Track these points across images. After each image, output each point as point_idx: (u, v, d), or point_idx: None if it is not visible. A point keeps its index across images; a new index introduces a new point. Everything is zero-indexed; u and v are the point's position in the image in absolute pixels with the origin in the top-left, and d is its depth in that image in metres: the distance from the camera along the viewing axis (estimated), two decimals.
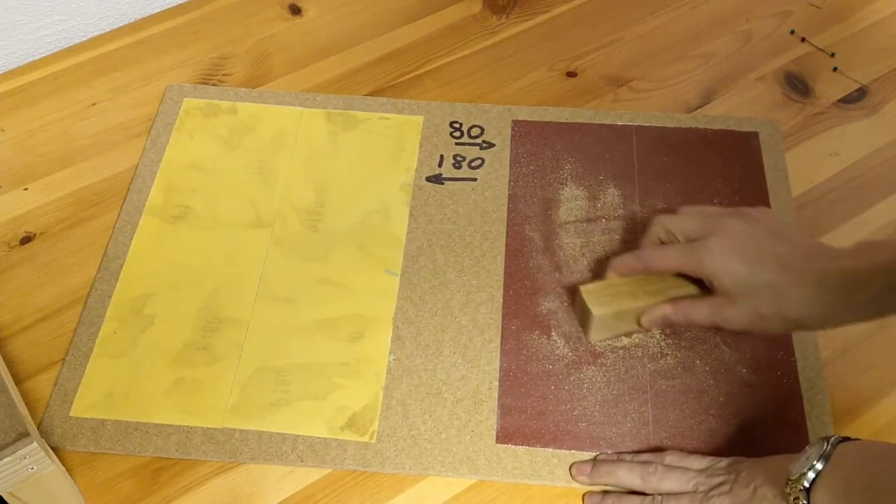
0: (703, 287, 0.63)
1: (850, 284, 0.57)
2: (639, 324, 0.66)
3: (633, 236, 0.74)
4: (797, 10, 0.91)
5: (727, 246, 0.61)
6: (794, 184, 0.77)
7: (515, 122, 0.82)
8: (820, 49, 0.88)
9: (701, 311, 0.63)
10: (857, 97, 0.84)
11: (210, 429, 0.65)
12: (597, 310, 0.64)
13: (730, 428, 0.65)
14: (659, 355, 0.68)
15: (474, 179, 0.78)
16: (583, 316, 0.67)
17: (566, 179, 0.78)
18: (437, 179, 0.78)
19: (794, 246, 0.61)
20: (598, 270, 0.72)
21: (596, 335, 0.67)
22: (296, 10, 0.94)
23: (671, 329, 0.69)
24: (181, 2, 0.94)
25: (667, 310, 0.64)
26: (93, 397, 0.66)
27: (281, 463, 0.64)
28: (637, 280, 0.65)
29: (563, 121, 0.82)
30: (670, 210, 0.69)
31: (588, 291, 0.65)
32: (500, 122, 0.82)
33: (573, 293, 0.69)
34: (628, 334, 0.69)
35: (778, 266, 0.60)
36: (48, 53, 0.91)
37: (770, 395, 0.66)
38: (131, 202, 0.77)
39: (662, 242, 0.66)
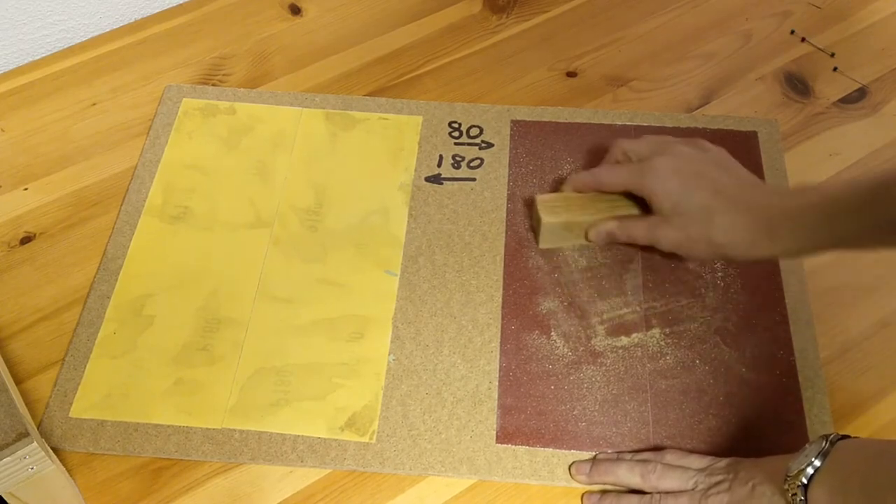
0: (647, 210, 0.68)
1: (774, 217, 0.61)
2: (586, 237, 0.71)
3: None
4: (797, 10, 0.91)
5: (669, 167, 0.66)
6: (794, 184, 0.77)
7: (514, 122, 0.82)
8: (820, 49, 0.88)
9: (640, 229, 0.68)
10: (857, 97, 0.84)
11: (210, 429, 0.65)
12: (547, 217, 0.70)
13: (729, 427, 0.65)
14: (658, 355, 0.68)
15: (473, 179, 0.78)
16: (535, 224, 0.73)
17: (565, 179, 0.78)
18: (436, 179, 0.78)
19: (733, 177, 0.65)
20: (599, 270, 0.72)
21: (544, 243, 0.73)
22: (296, 10, 0.94)
23: (612, 243, 0.72)
24: (181, 2, 0.94)
25: (611, 225, 0.69)
26: (92, 398, 0.66)
27: (281, 463, 0.64)
28: (590, 196, 0.71)
29: (562, 120, 0.82)
30: None
31: (542, 200, 0.71)
32: (499, 122, 0.82)
33: (530, 204, 0.75)
34: (575, 247, 0.73)
35: (711, 191, 0.64)
36: (48, 53, 0.91)
37: (769, 394, 0.66)
38: (130, 202, 0.77)
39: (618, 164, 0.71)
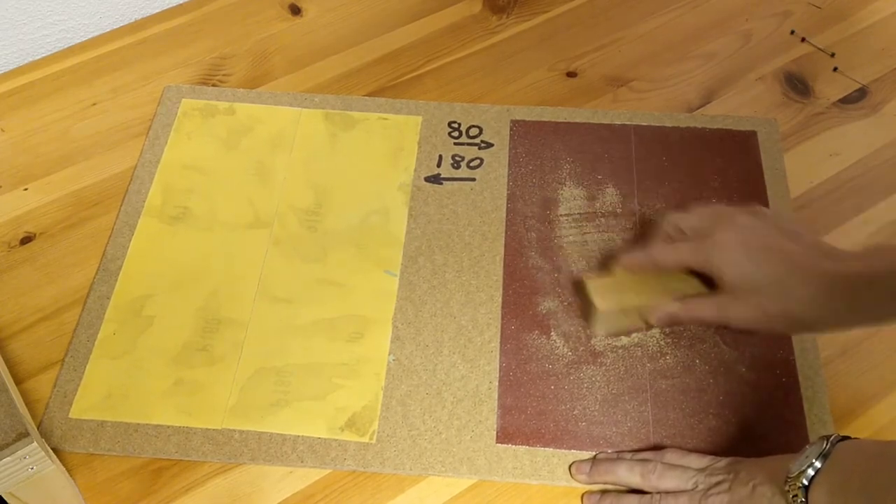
0: (711, 286, 0.63)
1: (855, 287, 0.57)
2: (645, 321, 0.66)
3: (632, 235, 0.74)
4: (797, 10, 0.91)
5: (735, 241, 0.61)
6: (794, 184, 0.77)
7: (514, 122, 0.82)
8: (820, 49, 0.88)
9: (707, 309, 0.63)
10: (857, 97, 0.84)
11: (210, 430, 0.65)
12: (601, 304, 0.65)
13: (729, 427, 0.65)
14: (658, 355, 0.68)
15: (473, 179, 0.78)
16: (587, 310, 0.67)
17: (565, 179, 0.78)
18: (435, 179, 0.78)
19: (802, 244, 0.61)
20: (597, 269, 0.72)
21: (599, 330, 0.68)
22: (296, 10, 0.94)
23: (675, 327, 0.69)
24: (181, 2, 0.94)
25: (674, 307, 0.64)
26: (92, 399, 0.66)
27: (281, 464, 0.64)
28: (644, 277, 0.66)
29: (561, 120, 0.82)
30: (678, 208, 0.69)
31: (594, 286, 0.66)
32: (499, 122, 0.82)
33: (579, 287, 0.69)
34: (632, 331, 0.69)
35: (784, 263, 0.60)
36: (48, 53, 0.91)
37: (770, 394, 0.66)
38: (130, 203, 0.77)
39: (672, 240, 0.66)
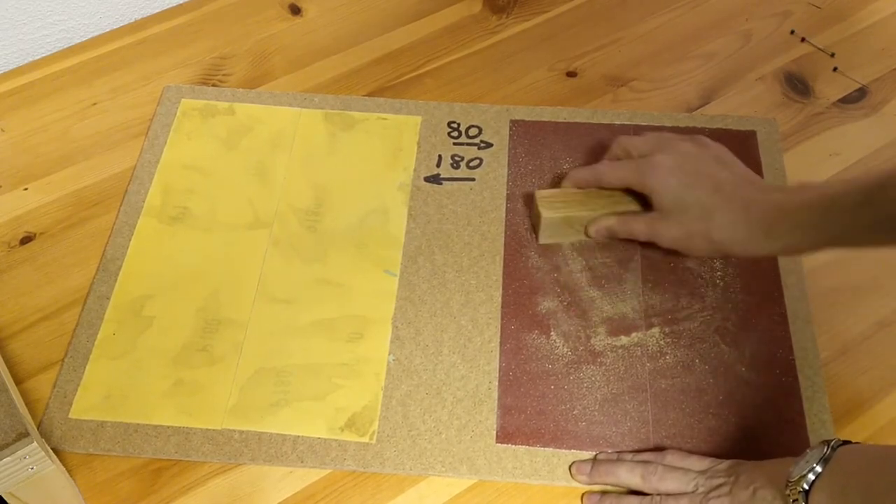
0: (649, 208, 0.68)
1: (771, 214, 0.61)
2: (585, 233, 0.72)
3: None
4: (797, 10, 0.91)
5: (669, 164, 0.66)
6: (793, 182, 0.77)
7: (513, 122, 0.82)
8: (820, 49, 0.88)
9: (639, 225, 0.68)
10: (857, 97, 0.84)
11: (210, 430, 0.65)
12: (546, 213, 0.71)
13: (729, 427, 0.65)
14: (658, 354, 0.68)
15: (472, 179, 0.78)
16: (535, 219, 0.73)
17: (565, 175, 0.78)
18: (435, 179, 0.78)
19: (732, 174, 0.66)
20: (598, 269, 0.72)
21: (544, 238, 0.73)
22: (296, 10, 0.94)
23: (611, 239, 0.72)
24: (181, 2, 0.94)
25: (611, 221, 0.70)
26: (92, 399, 0.66)
27: (281, 464, 0.64)
28: (589, 192, 0.72)
29: (560, 120, 0.82)
30: None
31: (542, 196, 0.72)
32: (498, 122, 0.82)
33: (529, 199, 0.75)
34: (574, 243, 0.73)
35: (710, 188, 0.65)
36: (48, 53, 0.91)
37: (769, 393, 0.66)
38: (129, 203, 0.77)
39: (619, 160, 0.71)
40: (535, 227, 0.74)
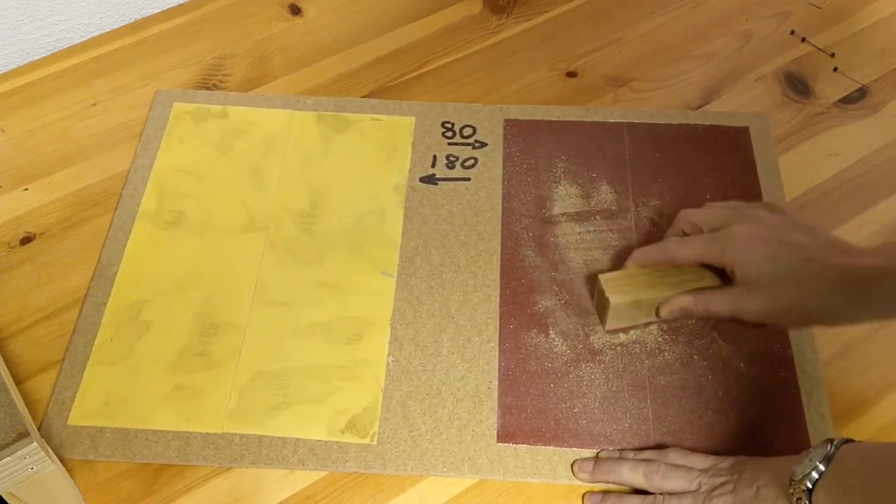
0: (725, 280, 0.63)
1: (867, 281, 0.58)
2: (657, 314, 0.66)
3: (627, 232, 0.75)
4: (797, 10, 0.91)
5: (750, 234, 0.62)
6: (795, 184, 0.78)
7: (507, 122, 0.82)
8: (820, 49, 0.88)
9: (720, 301, 0.63)
10: (857, 97, 0.84)
11: (210, 434, 0.65)
12: (615, 298, 0.65)
13: (729, 422, 0.65)
14: (657, 351, 0.68)
15: (468, 179, 0.78)
16: (600, 304, 0.68)
17: (559, 177, 0.78)
18: (430, 180, 0.78)
19: (816, 239, 0.61)
20: (594, 268, 0.72)
21: (612, 324, 0.68)
22: (296, 10, 0.94)
23: (690, 320, 0.69)
24: (181, 2, 0.94)
25: (686, 300, 0.64)
26: (91, 405, 0.66)
27: (282, 467, 0.64)
28: (657, 271, 0.66)
29: (554, 119, 0.82)
30: (679, 203, 0.70)
31: (607, 280, 0.66)
32: (492, 122, 0.82)
33: (594, 282, 0.69)
34: (645, 325, 0.69)
35: (799, 257, 0.60)
36: (48, 53, 0.91)
37: (768, 388, 0.66)
38: (124, 208, 0.77)
39: (686, 235, 0.66)
40: (599, 313, 0.69)
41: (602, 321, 0.69)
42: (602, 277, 0.66)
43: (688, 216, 0.67)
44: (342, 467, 0.63)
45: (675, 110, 0.83)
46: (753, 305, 0.61)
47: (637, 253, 0.67)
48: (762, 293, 0.61)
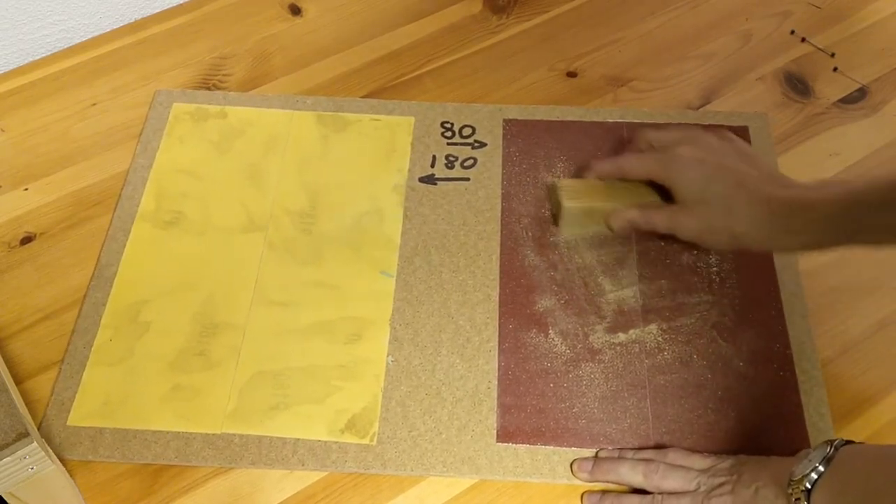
0: (670, 201, 0.68)
1: (792, 210, 0.61)
2: (607, 224, 0.71)
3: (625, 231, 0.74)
4: (797, 10, 0.91)
5: (692, 157, 0.66)
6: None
7: (506, 122, 0.82)
8: (820, 49, 0.88)
9: (660, 217, 0.68)
10: (857, 97, 0.84)
11: (209, 434, 0.65)
12: (568, 202, 0.71)
13: (728, 421, 0.65)
14: (656, 350, 0.68)
15: (467, 179, 0.78)
16: (555, 209, 0.73)
17: (559, 177, 0.78)
18: (429, 180, 0.78)
19: (755, 168, 0.66)
20: (595, 267, 0.72)
21: (564, 228, 0.73)
22: (296, 10, 0.94)
23: (632, 231, 0.72)
24: (181, 2, 0.94)
25: (632, 213, 0.70)
26: (90, 406, 0.66)
27: (282, 467, 0.64)
28: (611, 184, 0.72)
29: (553, 119, 0.82)
30: None
31: (564, 185, 0.72)
32: (491, 122, 0.82)
33: (550, 189, 0.75)
34: (593, 235, 0.73)
35: (733, 182, 0.65)
36: (48, 53, 0.91)
37: (767, 387, 0.66)
38: (123, 208, 0.77)
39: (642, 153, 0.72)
40: (554, 217, 0.74)
41: (555, 224, 0.74)
42: (560, 182, 0.73)
43: (646, 134, 0.72)
44: (342, 467, 0.63)
45: (675, 110, 0.83)
46: (688, 224, 0.66)
47: (595, 162, 0.73)
48: (696, 213, 0.66)
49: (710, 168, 0.66)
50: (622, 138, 0.80)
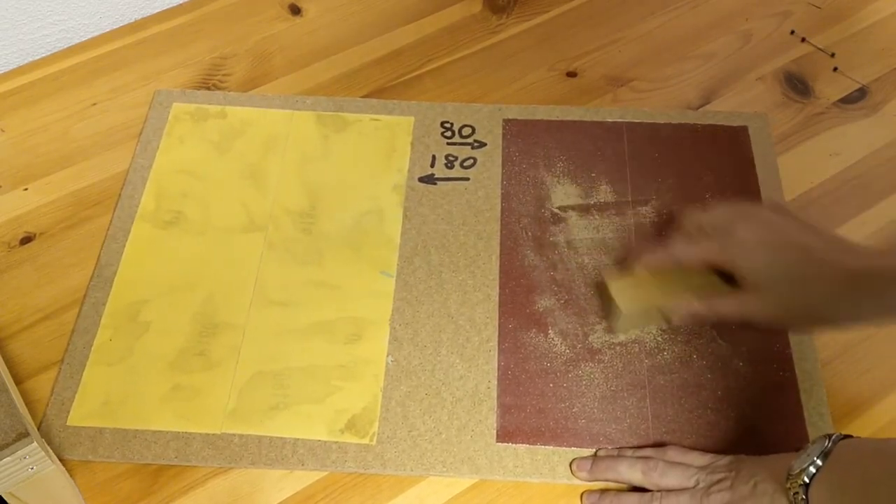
0: (733, 284, 0.64)
1: (876, 282, 0.58)
2: (667, 320, 0.66)
3: (627, 231, 0.75)
4: (797, 10, 0.91)
5: (756, 237, 0.62)
6: (794, 184, 0.77)
7: (506, 122, 0.82)
8: (820, 49, 0.88)
9: (730, 305, 0.63)
10: (857, 97, 0.84)
11: (209, 434, 0.65)
12: (624, 305, 0.65)
13: (728, 421, 0.65)
14: (656, 350, 0.68)
15: (467, 179, 0.78)
16: (608, 310, 0.68)
17: (558, 177, 0.78)
18: (429, 180, 0.78)
19: (822, 239, 0.61)
20: (593, 267, 0.72)
21: (621, 330, 0.68)
22: (296, 10, 0.94)
23: (698, 324, 0.69)
24: (181, 2, 0.94)
25: (696, 305, 0.64)
26: (90, 406, 0.66)
27: (282, 467, 0.64)
28: (665, 276, 0.66)
29: (553, 119, 0.82)
30: (685, 203, 0.70)
31: (616, 286, 0.66)
32: (491, 122, 0.82)
33: (599, 287, 0.70)
34: (651, 326, 0.69)
35: (806, 259, 0.60)
36: (48, 53, 0.91)
37: (767, 387, 0.66)
38: (123, 208, 0.77)
39: (693, 237, 0.66)
40: (606, 316, 0.69)
41: (610, 325, 0.69)
42: (612, 284, 0.66)
43: (695, 218, 0.66)
44: (342, 467, 0.63)
45: (675, 110, 0.83)
46: (763, 309, 0.62)
47: (644, 256, 0.67)
48: (769, 296, 0.61)
49: (778, 247, 0.61)
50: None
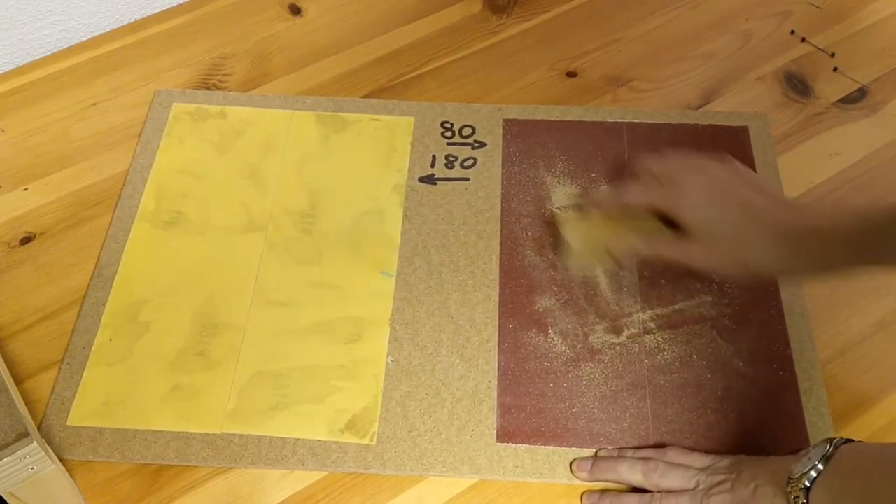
0: (678, 231, 0.66)
1: (804, 234, 0.60)
2: (612, 258, 0.70)
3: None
4: (797, 10, 0.91)
5: (700, 188, 0.65)
6: (794, 184, 0.77)
7: (506, 122, 0.82)
8: (820, 49, 0.88)
9: (669, 249, 0.66)
10: (857, 97, 0.84)
11: (209, 434, 0.65)
12: (573, 240, 0.69)
13: (728, 421, 0.65)
14: (656, 351, 0.68)
15: (467, 179, 0.78)
16: (558, 244, 0.72)
17: (559, 177, 0.78)
18: (429, 180, 0.78)
19: (762, 195, 0.64)
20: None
21: (570, 264, 0.72)
22: (296, 10, 0.94)
23: (643, 266, 0.72)
24: (181, 2, 0.94)
25: (638, 245, 0.68)
26: (90, 406, 0.66)
27: (282, 467, 0.64)
28: (614, 217, 0.69)
29: (553, 119, 0.82)
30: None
31: (566, 221, 0.71)
32: (491, 122, 0.82)
33: (552, 221, 0.74)
34: (599, 265, 0.72)
35: (743, 212, 0.63)
36: (48, 53, 0.91)
37: (767, 387, 0.66)
38: (123, 208, 0.77)
39: (644, 183, 0.69)
40: (556, 250, 0.72)
41: (561, 260, 0.72)
42: (563, 219, 0.71)
43: (647, 165, 0.70)
44: (342, 467, 0.63)
45: (675, 110, 0.83)
46: (699, 255, 0.65)
47: (596, 195, 0.73)
48: (705, 243, 0.64)
49: (719, 198, 0.64)
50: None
